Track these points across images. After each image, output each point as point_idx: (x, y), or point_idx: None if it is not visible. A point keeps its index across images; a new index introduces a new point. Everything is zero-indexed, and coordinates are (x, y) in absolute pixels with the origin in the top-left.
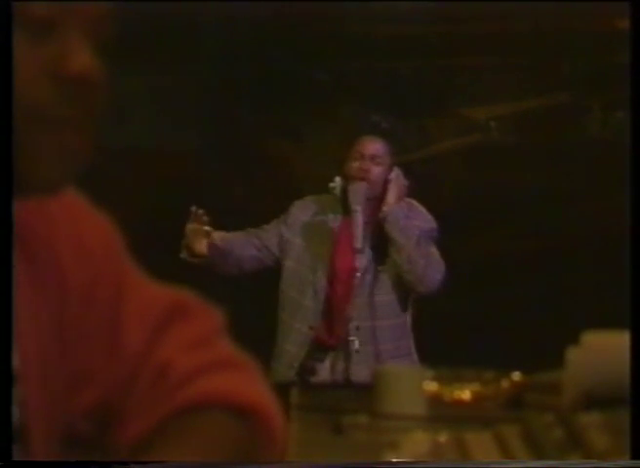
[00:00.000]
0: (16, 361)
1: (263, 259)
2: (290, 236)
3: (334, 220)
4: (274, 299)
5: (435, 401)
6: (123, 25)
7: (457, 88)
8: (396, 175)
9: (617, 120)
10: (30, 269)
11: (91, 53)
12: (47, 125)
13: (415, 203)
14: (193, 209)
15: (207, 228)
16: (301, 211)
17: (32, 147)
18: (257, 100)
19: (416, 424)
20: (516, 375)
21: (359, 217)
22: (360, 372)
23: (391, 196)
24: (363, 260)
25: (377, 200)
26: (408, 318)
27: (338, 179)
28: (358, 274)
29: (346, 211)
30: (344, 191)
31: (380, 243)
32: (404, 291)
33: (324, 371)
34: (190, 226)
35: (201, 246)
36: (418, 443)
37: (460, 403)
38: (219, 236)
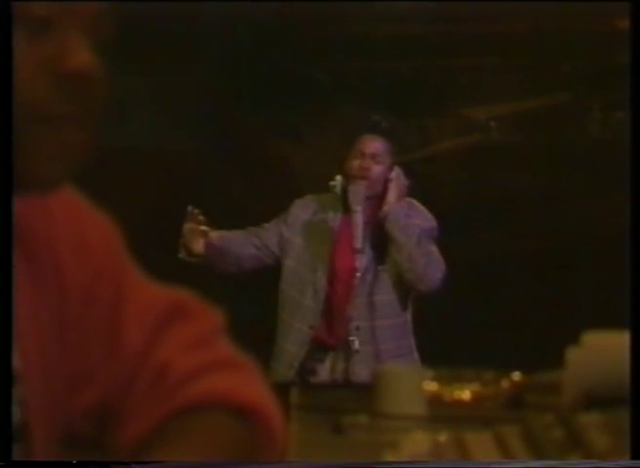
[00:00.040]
0: (16, 360)
1: (263, 258)
2: (290, 235)
3: (334, 219)
4: (274, 299)
5: (435, 401)
6: (122, 25)
7: (457, 88)
8: (397, 174)
9: (617, 120)
10: (30, 269)
11: (90, 51)
12: (46, 122)
13: (415, 202)
14: (189, 208)
15: (204, 228)
16: (302, 209)
17: (32, 145)
18: (257, 100)
19: (416, 424)
20: (516, 375)
21: (359, 217)
22: (360, 372)
23: (392, 195)
24: (363, 260)
25: (377, 199)
26: (408, 317)
27: (338, 178)
28: (358, 274)
29: (347, 210)
30: (345, 190)
31: (381, 242)
32: (404, 290)
33: (324, 372)
34: (187, 226)
35: (198, 245)
36: (418, 443)
37: (459, 403)
38: (216, 235)
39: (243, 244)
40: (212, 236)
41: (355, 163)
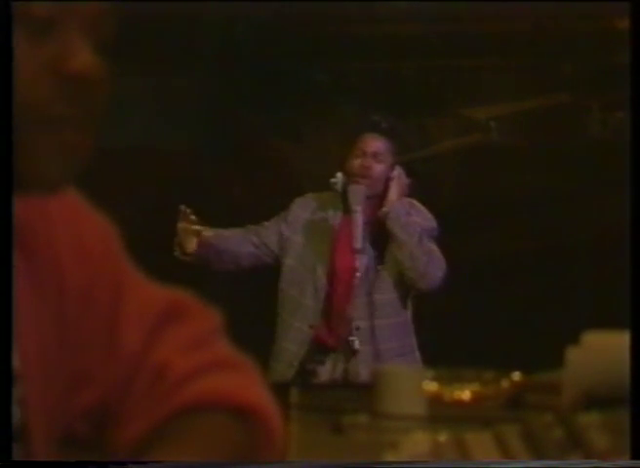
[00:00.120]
0: (15, 361)
1: (262, 256)
2: (290, 234)
3: (334, 218)
4: (273, 299)
5: (435, 401)
6: (122, 25)
7: (457, 88)
8: (398, 173)
9: (617, 120)
10: (30, 269)
11: (91, 51)
12: (48, 123)
13: (415, 202)
14: (182, 208)
15: (196, 227)
16: (302, 208)
17: (33, 146)
18: (257, 100)
19: (416, 424)
20: (516, 375)
21: (359, 217)
22: (360, 372)
23: (393, 194)
24: (363, 259)
25: (378, 198)
26: (409, 316)
27: (339, 175)
28: (358, 273)
29: (347, 209)
30: (345, 188)
31: (381, 241)
32: (404, 289)
33: (324, 371)
34: (180, 225)
35: (191, 244)
36: (418, 443)
37: (459, 403)
38: (211, 234)
39: (241, 242)
40: (206, 235)
41: (356, 162)
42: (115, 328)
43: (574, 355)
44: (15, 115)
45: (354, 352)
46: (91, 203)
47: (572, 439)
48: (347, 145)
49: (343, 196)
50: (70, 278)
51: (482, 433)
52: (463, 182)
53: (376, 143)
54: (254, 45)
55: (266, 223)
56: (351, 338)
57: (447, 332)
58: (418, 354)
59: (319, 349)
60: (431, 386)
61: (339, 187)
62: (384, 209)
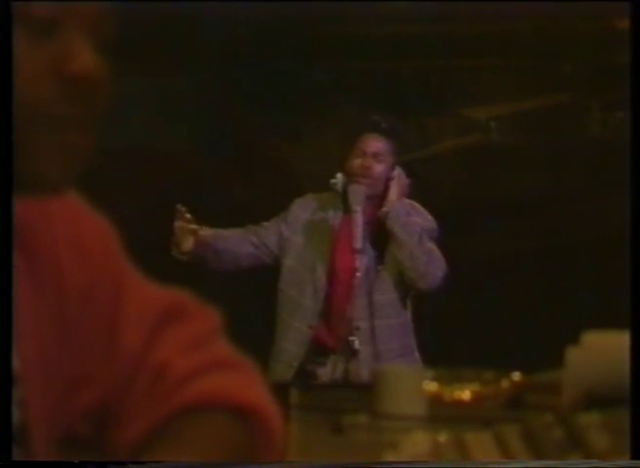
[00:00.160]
0: (15, 361)
1: (261, 257)
2: (290, 234)
3: (334, 218)
4: (273, 299)
5: (435, 401)
6: (122, 26)
7: (457, 88)
8: (398, 173)
9: (617, 120)
10: (30, 270)
11: (92, 52)
12: (49, 124)
13: (416, 204)
14: (178, 207)
15: (193, 226)
16: (302, 208)
17: (35, 147)
18: (256, 100)
19: (416, 424)
20: (516, 375)
21: (359, 217)
22: (360, 372)
23: (393, 194)
24: (363, 260)
25: (378, 198)
26: (409, 317)
27: (339, 175)
28: (358, 274)
29: (347, 209)
30: (345, 189)
31: (381, 242)
32: (404, 289)
33: (324, 372)
34: (176, 224)
35: (188, 243)
36: (418, 443)
37: (459, 403)
38: (210, 233)
39: (240, 242)
40: (202, 234)
41: (357, 162)
42: (115, 328)
43: (574, 355)
44: (16, 116)
45: (354, 352)
46: (91, 203)
47: (572, 439)
48: (347, 145)
49: (343, 196)
50: (70, 278)
51: (482, 433)
52: (463, 182)
53: (376, 144)
54: (254, 45)
55: (266, 224)
56: (351, 339)
57: (447, 332)
58: (417, 355)
59: (319, 349)
60: (431, 386)
61: (339, 188)
62: (384, 209)
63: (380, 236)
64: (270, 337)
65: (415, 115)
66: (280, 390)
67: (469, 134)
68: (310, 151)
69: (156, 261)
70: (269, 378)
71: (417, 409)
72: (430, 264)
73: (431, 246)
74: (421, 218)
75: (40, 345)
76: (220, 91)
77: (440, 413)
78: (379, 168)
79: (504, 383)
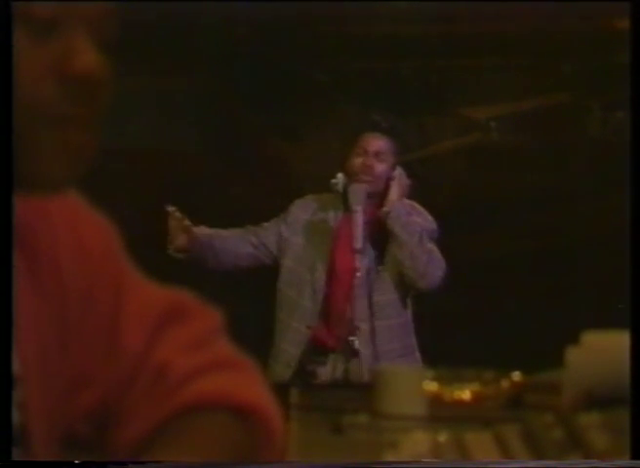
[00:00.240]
0: (15, 362)
1: (260, 257)
2: (289, 235)
3: (334, 219)
4: (273, 299)
5: (435, 401)
6: (123, 26)
7: (457, 88)
8: (399, 173)
9: (617, 120)
10: (30, 270)
11: (94, 51)
12: (51, 123)
13: (416, 204)
14: (168, 208)
15: (185, 223)
16: (301, 209)
17: (36, 146)
18: (256, 100)
19: (416, 424)
20: (516, 375)
21: (359, 217)
22: (360, 373)
23: (394, 193)
24: (363, 260)
25: (378, 198)
26: (409, 317)
27: (340, 175)
28: (358, 274)
29: (347, 209)
30: (346, 188)
31: (381, 242)
32: (405, 290)
33: (324, 372)
34: (169, 223)
35: (181, 240)
36: (418, 443)
37: (460, 403)
38: (203, 231)
39: (239, 242)
40: (196, 231)
41: (358, 160)
42: (116, 328)
43: (574, 355)
44: (18, 115)
45: (354, 352)
46: (91, 203)
47: (572, 439)
48: (348, 145)
49: (344, 196)
50: (70, 278)
51: (482, 433)
52: (463, 182)
53: (378, 142)
54: (254, 45)
55: (266, 224)
56: (351, 339)
57: (447, 332)
58: (418, 355)
59: (319, 350)
60: (431, 386)
61: (339, 188)
62: (385, 208)
63: (381, 236)
64: (270, 338)
65: (415, 115)
66: (280, 390)
67: (469, 134)
68: (310, 151)
69: (156, 261)
70: (268, 379)
71: (417, 409)
72: (430, 264)
73: (431, 246)
74: (422, 219)
75: (40, 345)
76: (219, 91)
77: (440, 413)
78: (380, 167)
79: (504, 383)
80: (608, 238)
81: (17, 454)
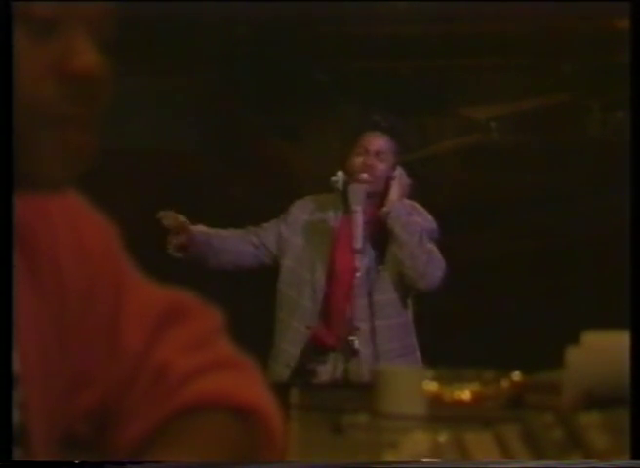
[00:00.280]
0: (15, 362)
1: (261, 256)
2: (289, 235)
3: (334, 219)
4: (273, 299)
5: (435, 401)
6: (122, 26)
7: (457, 88)
8: (399, 173)
9: (617, 120)
10: (30, 270)
11: (94, 51)
12: (51, 123)
13: (416, 204)
14: (160, 214)
15: (182, 219)
16: (301, 210)
17: (37, 146)
18: (256, 100)
19: (416, 424)
20: (516, 375)
21: (359, 217)
22: (360, 373)
23: (394, 193)
24: (363, 260)
25: (378, 197)
26: (409, 317)
27: (340, 173)
28: (358, 274)
29: (347, 209)
30: (346, 187)
31: (381, 241)
32: (405, 289)
33: (324, 372)
34: (166, 222)
35: (180, 238)
36: (418, 443)
37: (460, 403)
38: (202, 229)
39: (240, 242)
40: (194, 229)
41: (358, 160)
42: (116, 328)
43: (574, 355)
44: (18, 115)
45: (354, 352)
46: (91, 203)
47: (572, 439)
48: (348, 145)
49: (344, 195)
50: (70, 278)
51: (482, 433)
52: (463, 182)
53: (378, 142)
54: (254, 45)
55: (266, 225)
56: (351, 338)
57: (447, 332)
58: (418, 355)
59: (319, 349)
60: (431, 386)
61: (339, 186)
62: (385, 208)
63: (381, 236)
64: (270, 338)
65: (415, 115)
66: (280, 390)
67: (469, 134)
68: (310, 151)
69: (156, 261)
70: (268, 379)
71: (417, 409)
72: (430, 264)
73: (431, 246)
74: (422, 219)
75: (40, 345)
76: (219, 91)
77: (440, 413)
78: (380, 167)
79: (504, 383)
80: (608, 238)
81: (16, 454)
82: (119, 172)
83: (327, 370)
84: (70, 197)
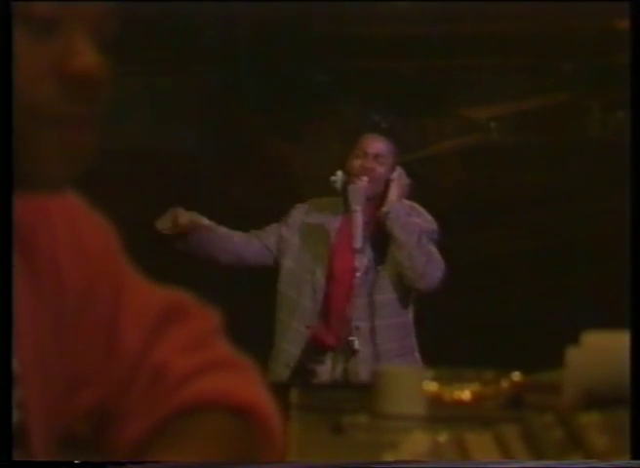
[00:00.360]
0: (15, 362)
1: (262, 256)
2: (289, 236)
3: (334, 221)
4: (273, 299)
5: (435, 401)
6: (122, 26)
7: (457, 88)
8: (399, 174)
9: (617, 120)
10: (29, 270)
11: (93, 51)
12: (51, 123)
13: (416, 205)
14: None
15: (196, 217)
16: (302, 212)
17: (37, 146)
18: (256, 100)
19: (416, 424)
20: (516, 375)
21: (359, 217)
22: (360, 372)
23: (393, 194)
24: (363, 260)
25: (377, 199)
26: (409, 317)
27: (339, 173)
28: (358, 274)
29: (347, 209)
30: (345, 188)
31: (381, 242)
32: (404, 290)
33: (324, 372)
34: (182, 221)
35: (182, 219)
36: (418, 443)
37: (460, 403)
38: (213, 225)
39: (242, 242)
40: (199, 219)
41: (357, 162)
42: (114, 328)
43: (574, 355)
44: (18, 115)
45: (354, 352)
46: (90, 203)
47: (572, 439)
48: (348, 145)
49: (343, 195)
50: (69, 278)
51: (482, 433)
52: (463, 182)
53: (377, 144)
54: (254, 45)
55: (268, 227)
56: (351, 338)
57: (447, 332)
58: (418, 355)
59: (319, 349)
60: (431, 386)
61: (338, 186)
62: (384, 209)
63: (380, 236)
64: (270, 338)
65: (415, 115)
66: (280, 390)
67: (469, 134)
68: (310, 151)
69: (155, 261)
70: (268, 379)
71: (417, 409)
72: (429, 265)
73: (431, 247)
74: (421, 219)
75: (39, 345)
76: (220, 91)
77: (440, 413)
78: (380, 169)
79: (504, 383)
80: (608, 238)
81: (16, 454)
82: (119, 171)
83: (327, 371)
84: (70, 197)
